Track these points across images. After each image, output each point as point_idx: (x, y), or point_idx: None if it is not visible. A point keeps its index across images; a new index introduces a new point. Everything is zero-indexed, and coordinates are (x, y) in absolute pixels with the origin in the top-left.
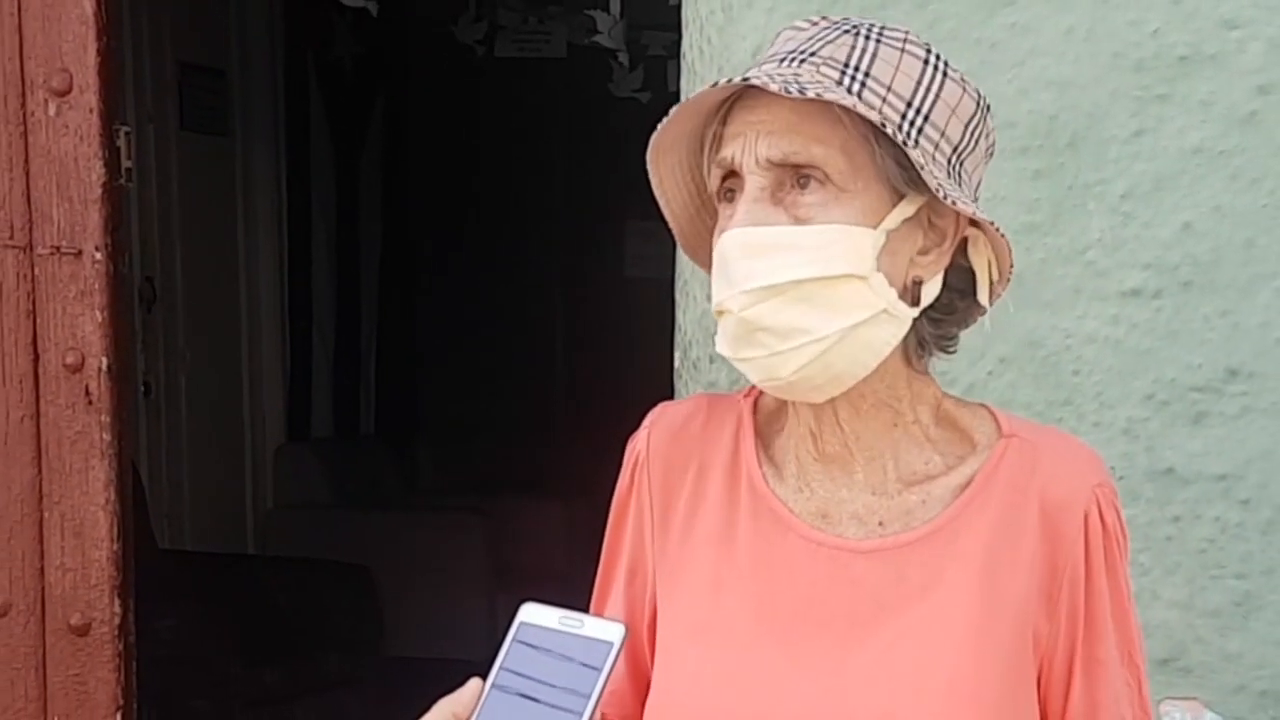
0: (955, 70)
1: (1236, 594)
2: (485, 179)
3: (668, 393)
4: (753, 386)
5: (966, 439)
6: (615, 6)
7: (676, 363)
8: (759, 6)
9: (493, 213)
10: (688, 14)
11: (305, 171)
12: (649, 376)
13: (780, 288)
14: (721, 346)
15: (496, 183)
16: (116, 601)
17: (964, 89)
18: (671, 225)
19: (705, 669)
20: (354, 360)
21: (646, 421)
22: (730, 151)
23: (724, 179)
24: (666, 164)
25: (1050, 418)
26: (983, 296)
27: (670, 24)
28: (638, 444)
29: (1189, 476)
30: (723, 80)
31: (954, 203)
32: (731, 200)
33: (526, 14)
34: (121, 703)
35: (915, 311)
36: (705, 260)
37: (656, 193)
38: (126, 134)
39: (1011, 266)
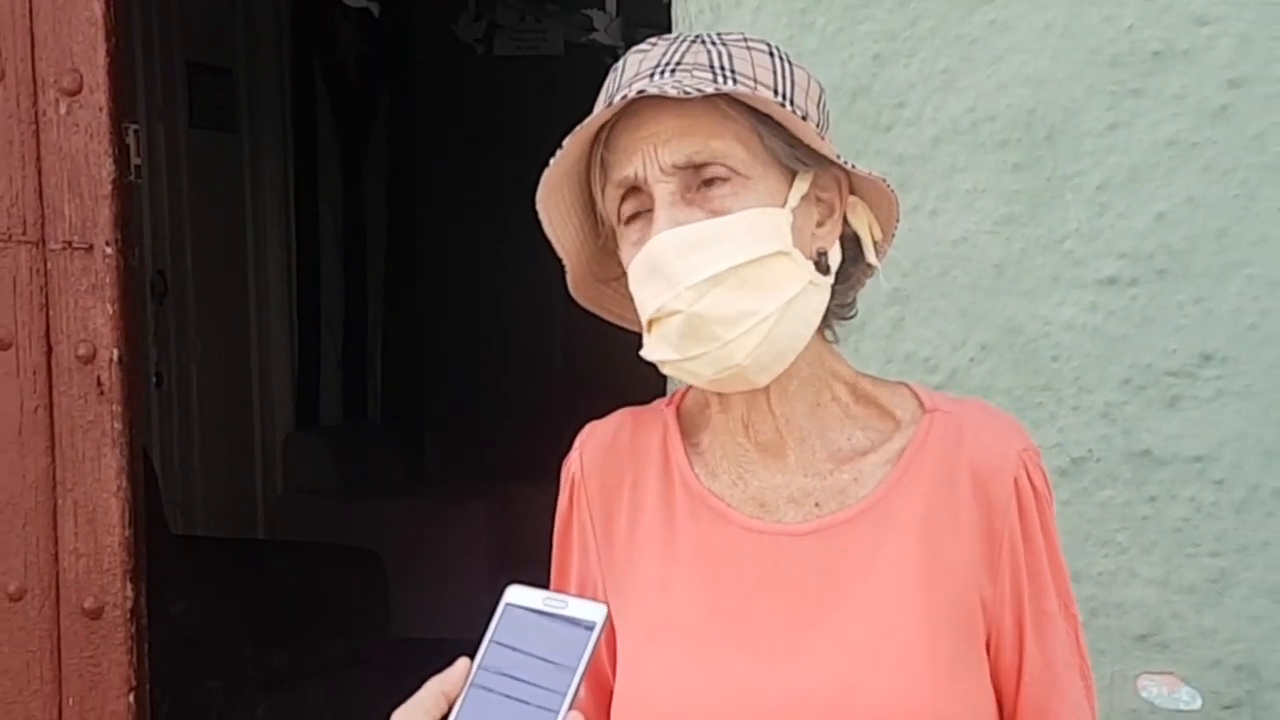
0: (792, 58)
1: (1212, 571)
2: (487, 173)
3: (660, 381)
4: (674, 395)
5: (888, 416)
6: (611, 5)
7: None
8: (746, 6)
9: (494, 206)
10: (677, 12)
11: (312, 167)
12: (642, 367)
13: (721, 276)
14: (661, 352)
15: (498, 177)
16: (129, 585)
17: (806, 73)
18: (566, 263)
19: (665, 668)
20: (361, 350)
21: (577, 443)
22: (630, 169)
23: (623, 198)
24: (553, 202)
25: (1030, 402)
26: (870, 256)
27: (663, 23)
28: (572, 465)
29: (1165, 458)
30: (617, 99)
31: (851, 166)
32: (638, 219)
33: (524, 13)
34: (134, 684)
35: (830, 279)
36: (592, 292)
37: (549, 232)
38: (135, 132)
39: (896, 221)
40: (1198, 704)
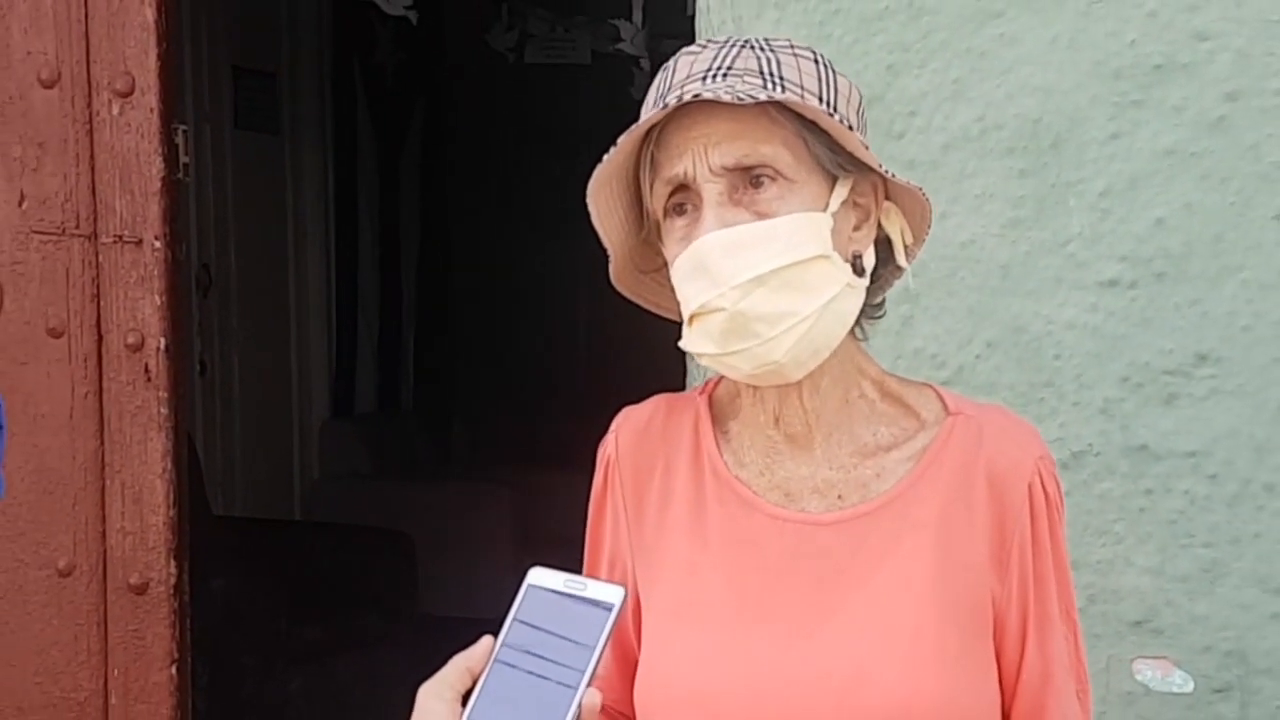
0: (834, 65)
1: (1204, 561)
2: (516, 175)
3: (680, 372)
4: (706, 383)
5: (913, 415)
6: (637, 16)
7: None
8: (767, 18)
9: (523, 206)
10: (701, 25)
11: (350, 168)
12: (663, 360)
13: (764, 278)
14: (702, 345)
15: (526, 179)
16: (172, 563)
17: (848, 81)
18: (611, 253)
19: (688, 646)
20: (394, 342)
21: (613, 426)
22: (681, 168)
23: (671, 195)
24: (602, 196)
25: (1033, 398)
26: (900, 259)
27: (688, 33)
28: (607, 448)
29: (1161, 453)
30: (671, 101)
31: (891, 175)
32: (682, 213)
33: (554, 23)
34: (176, 656)
35: (866, 281)
36: (632, 281)
37: (597, 224)
38: (184, 132)
39: (929, 226)
40: (1190, 687)
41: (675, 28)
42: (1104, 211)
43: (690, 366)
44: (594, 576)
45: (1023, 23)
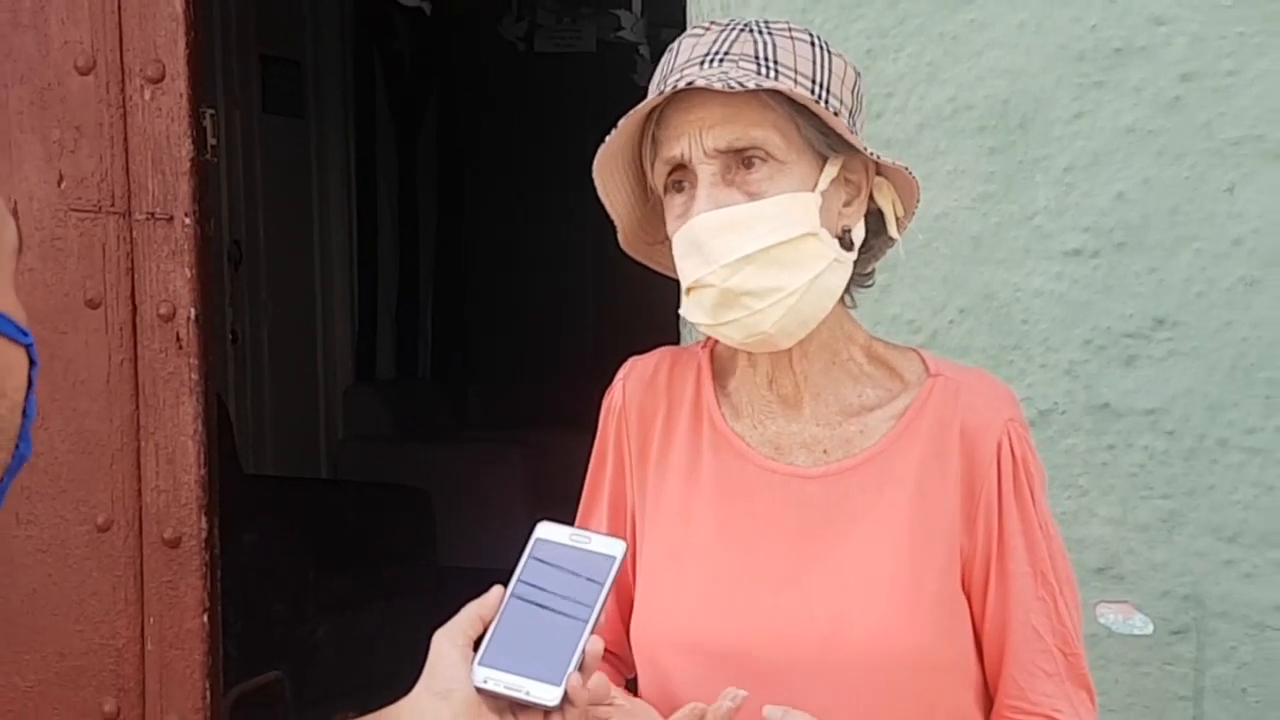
0: (832, 46)
1: (1162, 512)
2: (526, 156)
3: (675, 340)
4: (708, 339)
5: (897, 376)
6: (637, 6)
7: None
8: (754, 5)
9: (533, 185)
10: (692, 12)
11: (371, 149)
12: (660, 329)
13: (753, 256)
14: (697, 315)
15: (536, 159)
16: (204, 518)
17: (844, 61)
18: (618, 225)
19: (680, 586)
20: (413, 312)
21: (620, 374)
22: (678, 149)
23: (670, 173)
24: (609, 172)
25: (1003, 360)
26: (892, 230)
27: (683, 22)
28: (614, 395)
29: (1122, 411)
30: (667, 87)
31: (877, 157)
32: (680, 190)
33: (561, 14)
34: (208, 605)
35: (854, 254)
36: (642, 250)
37: (603, 197)
38: (212, 115)
39: (917, 201)
40: (1149, 630)
41: (671, 16)
42: (1068, 186)
43: (684, 332)
44: (589, 524)
45: (992, 9)
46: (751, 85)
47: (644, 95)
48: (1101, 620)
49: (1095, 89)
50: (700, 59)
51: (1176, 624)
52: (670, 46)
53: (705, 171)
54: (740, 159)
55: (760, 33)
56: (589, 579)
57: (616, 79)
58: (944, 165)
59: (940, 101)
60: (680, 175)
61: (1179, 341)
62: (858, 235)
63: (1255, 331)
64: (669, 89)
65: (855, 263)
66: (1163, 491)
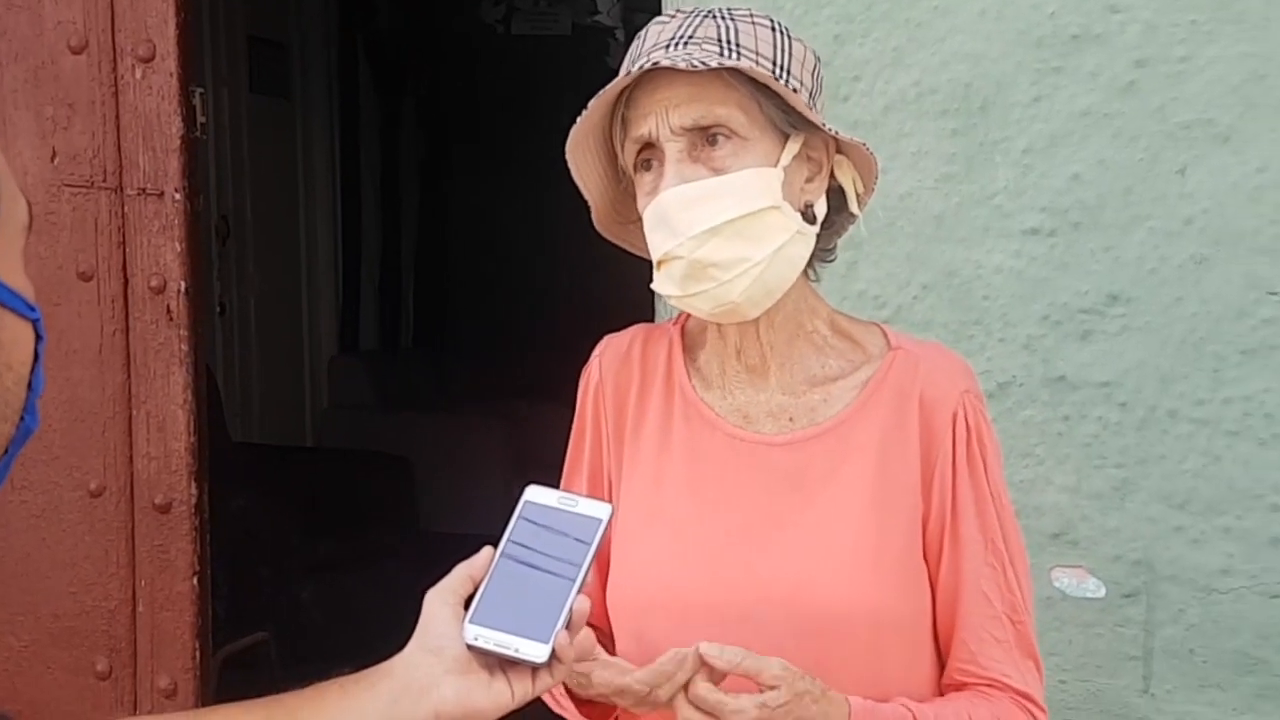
0: (797, 33)
1: (1115, 480)
2: (504, 135)
3: (650, 314)
4: (679, 315)
5: (860, 348)
6: None
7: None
8: None
9: (511, 163)
10: None
11: (354, 128)
12: (634, 303)
13: (718, 228)
14: (667, 288)
15: (514, 138)
16: (193, 484)
17: (804, 46)
18: (591, 203)
19: (653, 550)
20: (395, 285)
21: (596, 351)
22: (646, 128)
23: (639, 152)
24: (580, 153)
25: (964, 335)
26: (853, 206)
27: (656, 7)
28: (591, 371)
29: (1077, 383)
30: (635, 69)
31: (835, 133)
32: (649, 169)
33: None
34: (197, 569)
35: (816, 228)
36: (614, 230)
37: (576, 177)
38: (200, 94)
39: (875, 178)
40: (1102, 593)
41: (645, 2)
42: (1026, 167)
43: (658, 306)
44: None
45: None
46: (714, 64)
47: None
48: (1056, 584)
49: (1053, 74)
50: (666, 43)
51: (1128, 587)
52: (638, 33)
53: (672, 149)
54: (705, 136)
55: (723, 19)
56: (576, 540)
57: (591, 61)
58: (908, 147)
59: (905, 85)
60: (649, 154)
61: (1132, 317)
62: (820, 210)
63: (1205, 307)
64: (636, 70)
65: (818, 238)
66: (1115, 461)
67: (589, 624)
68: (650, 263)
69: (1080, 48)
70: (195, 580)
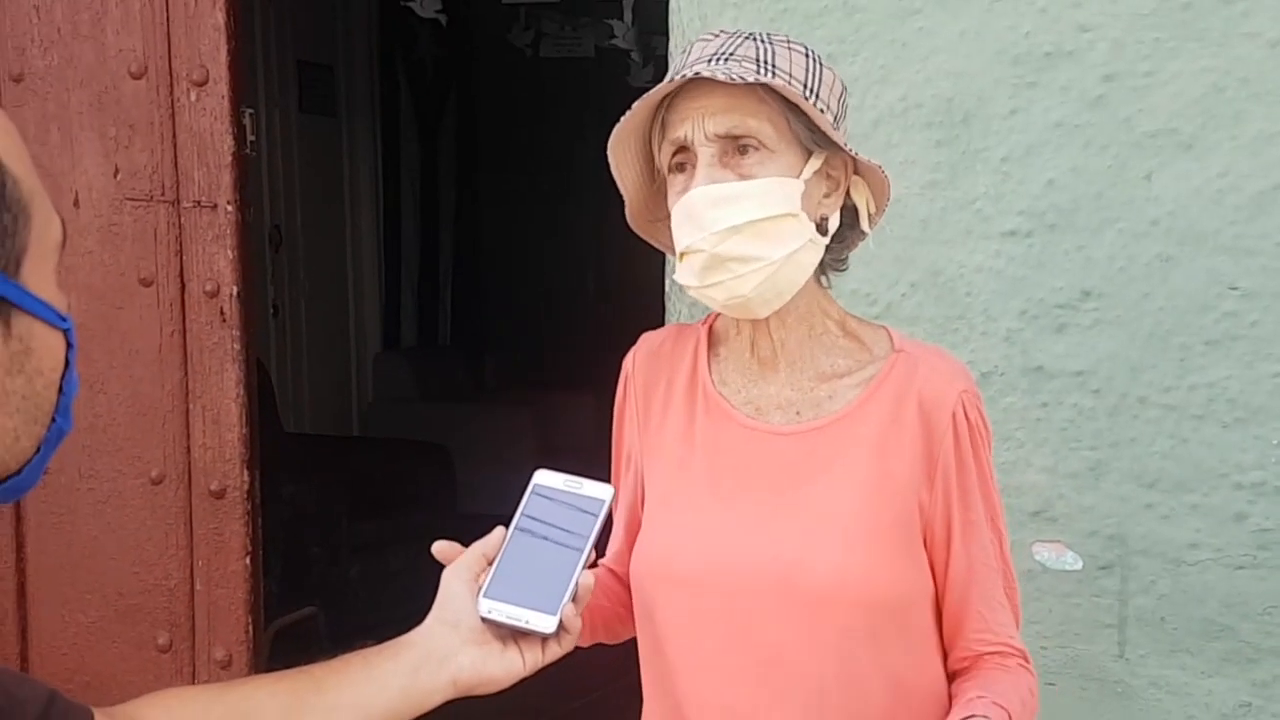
0: (824, 60)
1: (1090, 461)
2: (533, 148)
3: (660, 314)
4: (707, 317)
5: (866, 349)
6: (627, 15)
7: (667, 287)
8: (727, 16)
9: (539, 176)
10: (673, 22)
11: (395, 144)
12: (653, 299)
13: (739, 227)
14: (688, 278)
15: (542, 151)
16: (245, 472)
17: (833, 73)
18: (626, 198)
19: (672, 528)
20: (434, 287)
21: (634, 348)
22: (683, 131)
23: (674, 154)
24: (620, 150)
25: (948, 329)
26: (864, 224)
27: (668, 31)
28: (627, 364)
29: (1054, 373)
30: (678, 77)
31: (855, 154)
32: (682, 171)
33: (564, 23)
34: (250, 550)
35: (827, 239)
36: (645, 226)
37: (615, 173)
38: (250, 115)
39: (888, 199)
40: (1079, 565)
41: (660, 27)
42: (1005, 174)
43: (669, 308)
44: (616, 473)
45: (937, 18)
46: (751, 79)
47: (637, 95)
48: (1037, 557)
49: (1028, 88)
50: (709, 57)
51: (1103, 560)
52: (684, 47)
53: (705, 153)
54: (736, 145)
55: (762, 41)
56: (581, 519)
57: (612, 80)
58: (896, 157)
59: (892, 100)
60: (683, 157)
61: (1104, 311)
62: (833, 223)
63: (1171, 301)
64: (679, 78)
65: (829, 249)
66: (1090, 444)
67: (623, 579)
68: (661, 268)
69: (1053, 64)
70: (248, 560)
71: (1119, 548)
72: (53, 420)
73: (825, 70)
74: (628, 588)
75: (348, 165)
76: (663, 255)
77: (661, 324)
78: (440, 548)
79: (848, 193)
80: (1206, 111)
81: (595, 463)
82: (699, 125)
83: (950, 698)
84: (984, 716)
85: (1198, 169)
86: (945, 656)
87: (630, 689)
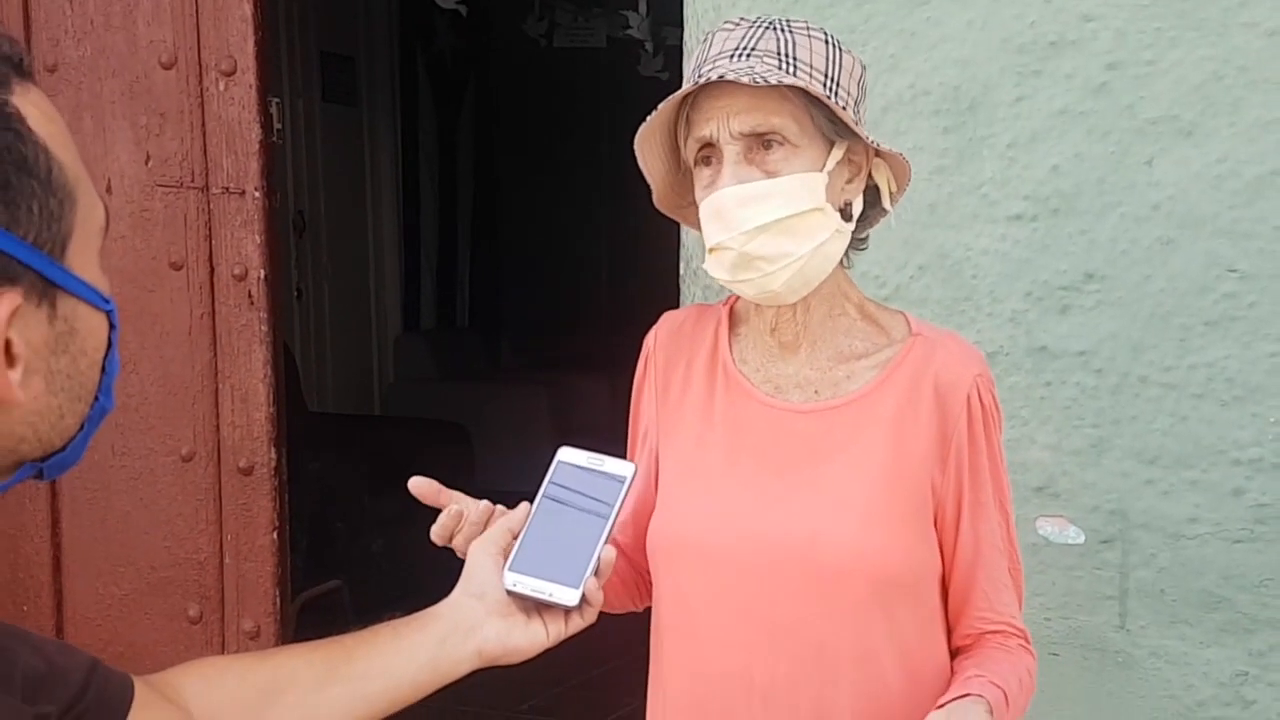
0: (843, 44)
1: (1092, 439)
2: (548, 137)
3: (675, 299)
4: (729, 298)
5: (884, 332)
6: (642, 6)
7: (681, 270)
8: (741, 6)
9: (555, 162)
10: (688, 12)
11: (415, 133)
12: (667, 282)
13: (767, 225)
14: (718, 272)
15: (556, 139)
16: (273, 450)
17: (852, 57)
18: (653, 187)
19: (690, 503)
20: (452, 272)
21: (656, 325)
22: (708, 130)
23: (700, 149)
24: (648, 144)
25: (955, 310)
26: (886, 204)
27: (682, 20)
28: (648, 342)
29: (1058, 353)
30: (700, 78)
31: (876, 143)
32: (708, 164)
33: (577, 14)
34: (277, 524)
35: (852, 225)
36: (674, 209)
37: (642, 165)
38: (277, 104)
39: (908, 180)
40: (1082, 540)
41: (673, 15)
42: (1010, 160)
43: (683, 290)
44: (633, 447)
45: (945, 9)
46: (774, 81)
47: (648, 83)
48: (1040, 532)
49: (1033, 76)
50: (730, 52)
51: (1105, 535)
52: (704, 38)
53: (730, 151)
54: (760, 141)
55: (782, 30)
56: (603, 495)
57: (624, 70)
58: (904, 143)
59: (901, 88)
60: (708, 152)
61: (1106, 293)
62: (856, 207)
63: (1171, 283)
64: (702, 80)
65: (854, 229)
66: (1092, 421)
67: (631, 555)
68: (676, 251)
69: (1058, 53)
70: (275, 535)
71: (1120, 522)
72: (95, 399)
73: (845, 55)
74: (629, 561)
75: (369, 153)
76: (677, 240)
77: (676, 307)
78: (416, 484)
79: (869, 175)
80: (1206, 99)
81: (609, 442)
82: (724, 124)
83: (953, 674)
84: (979, 695)
85: (1197, 155)
86: (950, 633)
87: (647, 658)
